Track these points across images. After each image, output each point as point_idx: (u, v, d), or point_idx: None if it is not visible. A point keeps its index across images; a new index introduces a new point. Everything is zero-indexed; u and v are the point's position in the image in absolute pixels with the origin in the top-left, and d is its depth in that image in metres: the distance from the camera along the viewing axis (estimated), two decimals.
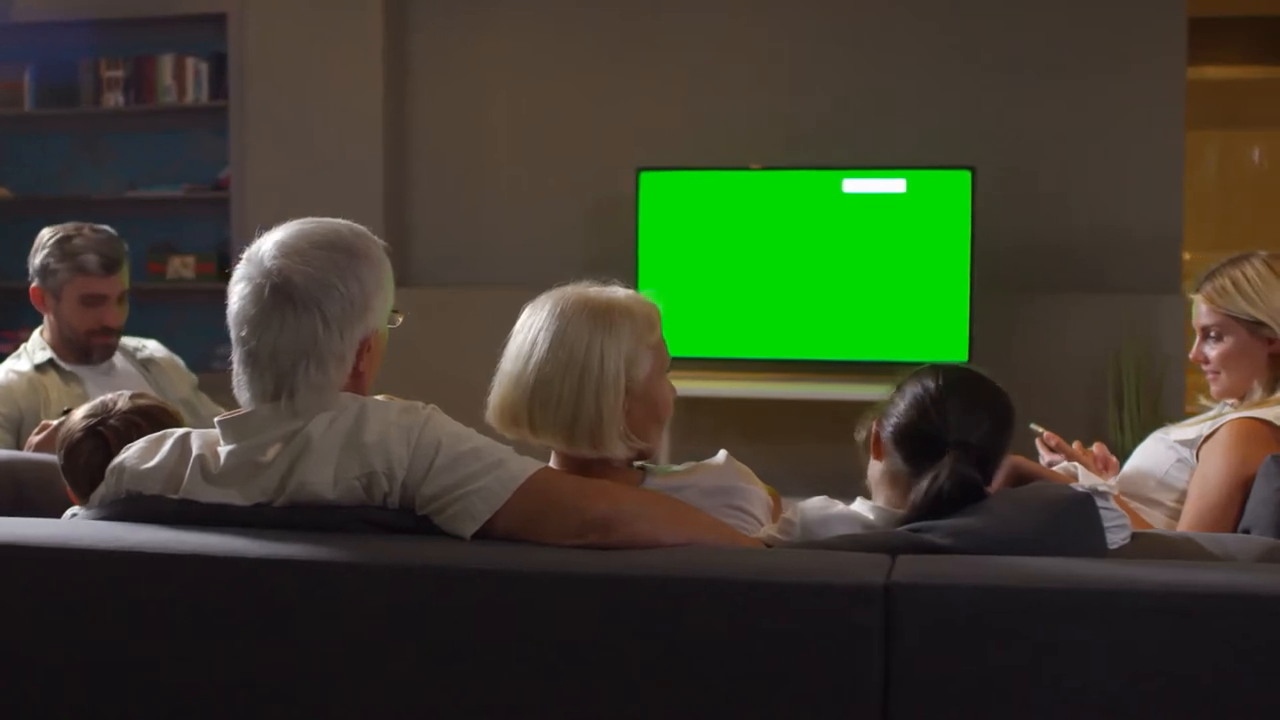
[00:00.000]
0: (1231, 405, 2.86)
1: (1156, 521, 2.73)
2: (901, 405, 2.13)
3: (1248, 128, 8.79)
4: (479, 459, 1.97)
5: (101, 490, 2.13)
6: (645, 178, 5.56)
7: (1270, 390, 2.77)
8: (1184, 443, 2.80)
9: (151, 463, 2.09)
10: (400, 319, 2.18)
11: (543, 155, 6.08)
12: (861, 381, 5.24)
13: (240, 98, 6.14)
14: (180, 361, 3.79)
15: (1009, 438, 2.12)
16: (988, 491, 2.03)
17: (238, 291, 2.07)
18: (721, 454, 2.21)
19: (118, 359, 3.61)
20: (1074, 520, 1.92)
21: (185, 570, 1.94)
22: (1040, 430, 2.85)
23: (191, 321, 5.94)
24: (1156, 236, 5.54)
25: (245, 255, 2.08)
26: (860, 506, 2.11)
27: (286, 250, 2.05)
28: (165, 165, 6.39)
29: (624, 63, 5.97)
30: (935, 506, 1.96)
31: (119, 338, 3.61)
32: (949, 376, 2.13)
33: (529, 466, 1.97)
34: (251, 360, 2.05)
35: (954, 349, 5.22)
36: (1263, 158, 8.91)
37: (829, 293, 5.45)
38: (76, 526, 2.05)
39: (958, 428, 2.05)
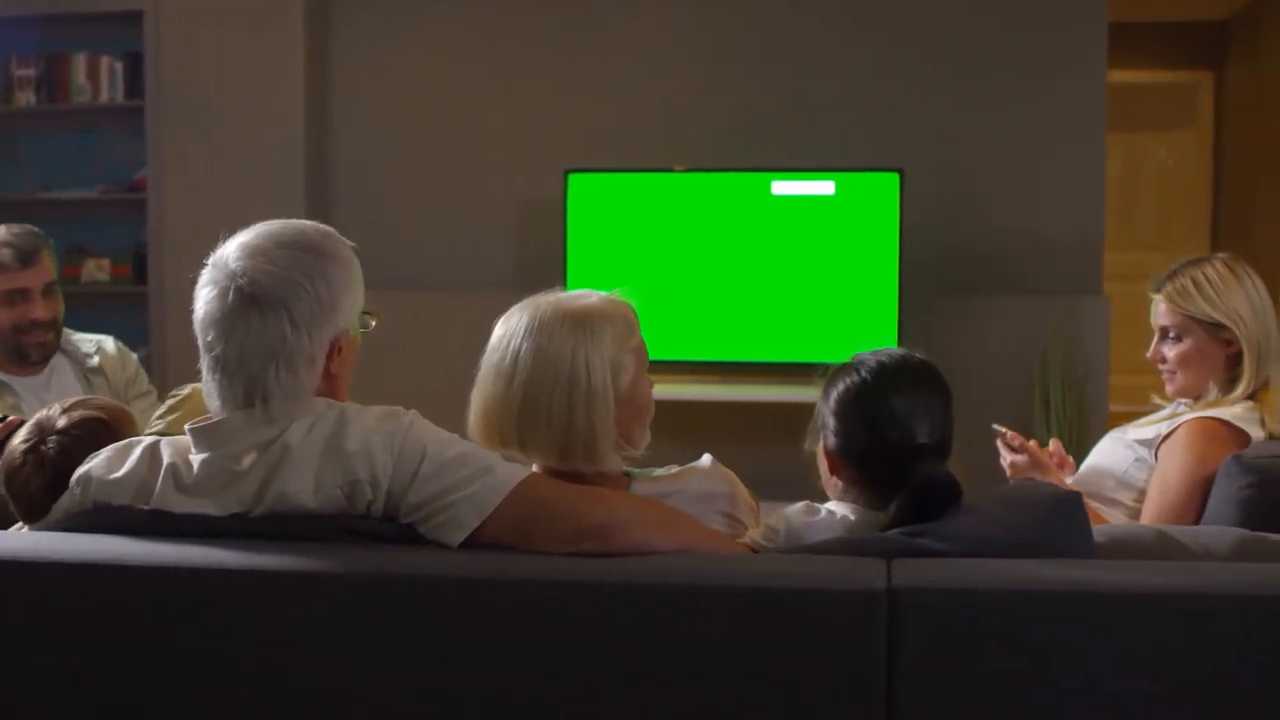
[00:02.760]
0: (1186, 405, 2.89)
1: (1116, 520, 2.75)
2: (848, 422, 2.07)
3: (1150, 130, 8.97)
4: (465, 465, 1.93)
5: (65, 501, 2.06)
6: (574, 179, 5.54)
7: (1226, 390, 2.81)
8: (1142, 442, 2.83)
9: (119, 472, 2.03)
10: (374, 322, 2.14)
11: (469, 157, 6.03)
12: (789, 383, 5.26)
13: (156, 98, 6.02)
14: (134, 362, 3.65)
15: (952, 407, 2.10)
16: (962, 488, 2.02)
17: (203, 297, 2.01)
18: (706, 458, 2.18)
19: (66, 368, 3.49)
20: (1063, 519, 1.93)
21: (162, 583, 1.89)
22: (1003, 430, 2.86)
23: (108, 326, 5.79)
24: (1079, 238, 5.63)
25: (210, 261, 2.02)
26: (841, 509, 2.09)
27: (251, 251, 2.00)
28: (79, 166, 6.24)
29: (553, 63, 5.94)
30: (919, 514, 1.95)
31: (57, 334, 3.47)
32: (883, 379, 2.07)
33: (517, 473, 1.94)
34: (220, 366, 1.99)
35: None
36: (1166, 160, 9.09)
37: (759, 295, 5.46)
38: (45, 538, 1.98)
39: (918, 433, 2.02)
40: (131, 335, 6.04)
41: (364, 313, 2.11)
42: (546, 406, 2.02)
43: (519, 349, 2.04)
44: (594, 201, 5.55)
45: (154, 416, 3.47)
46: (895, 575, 1.78)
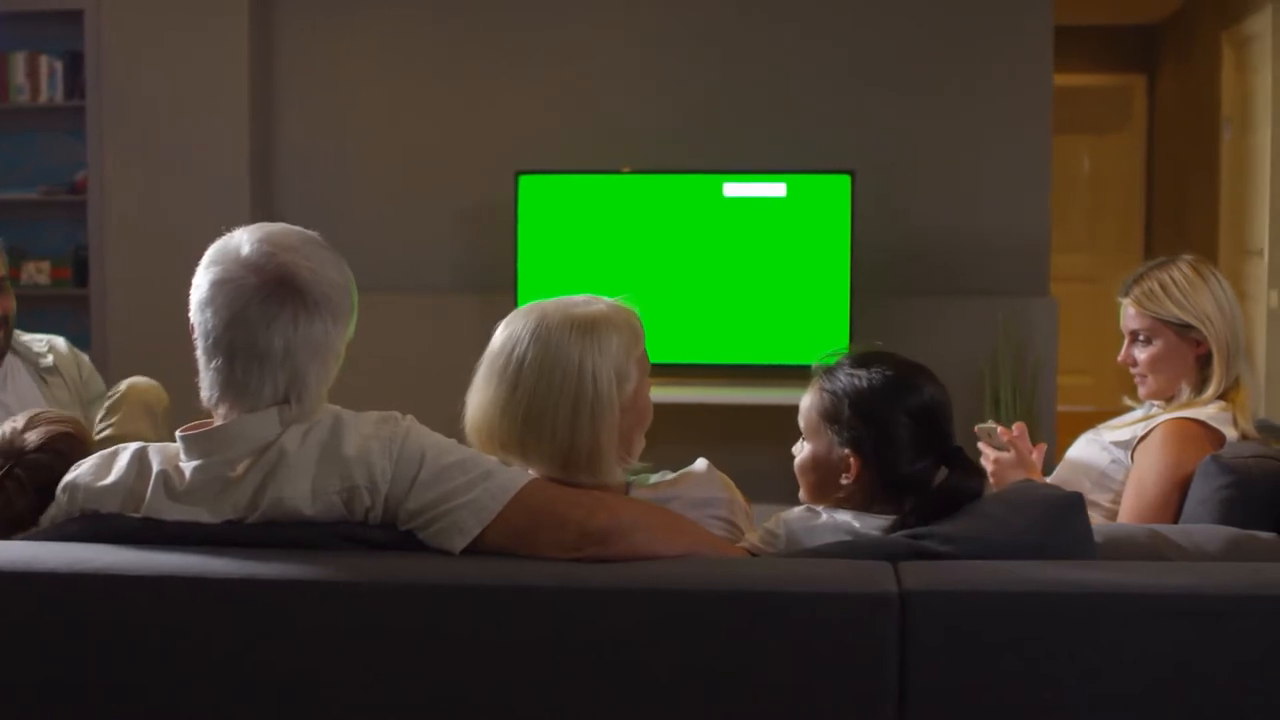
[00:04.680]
0: (1159, 406, 2.92)
1: (1096, 522, 2.77)
2: (876, 420, 2.05)
3: (1085, 132, 9.08)
4: (465, 471, 1.91)
5: (53, 510, 2.02)
6: (524, 181, 5.52)
7: (1198, 391, 2.84)
8: (1118, 444, 2.85)
9: (108, 480, 1.99)
10: None
11: (418, 158, 5.99)
12: (739, 385, 5.27)
13: (97, 97, 5.93)
14: (86, 362, 3.58)
15: None
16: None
17: (227, 292, 1.94)
18: (702, 462, 2.16)
19: (21, 370, 3.41)
20: (1065, 521, 1.94)
21: (159, 592, 1.86)
22: (995, 427, 2.85)
23: (48, 330, 5.69)
24: (1026, 240, 5.69)
25: (214, 259, 1.96)
26: (841, 514, 2.08)
27: (283, 247, 1.96)
28: (18, 167, 6.15)
29: (503, 65, 5.91)
30: (940, 513, 1.96)
31: (8, 332, 3.38)
32: (908, 374, 2.10)
33: (519, 478, 1.92)
34: (258, 359, 1.93)
35: None
36: (1093, 162, 9.21)
37: (710, 297, 5.47)
38: (38, 548, 1.94)
39: (948, 427, 2.05)
40: (73, 339, 5.92)
41: None
42: (552, 416, 1.98)
43: (523, 355, 2.00)
44: (545, 204, 5.53)
45: (98, 420, 3.39)
46: (904, 579, 1.78)
